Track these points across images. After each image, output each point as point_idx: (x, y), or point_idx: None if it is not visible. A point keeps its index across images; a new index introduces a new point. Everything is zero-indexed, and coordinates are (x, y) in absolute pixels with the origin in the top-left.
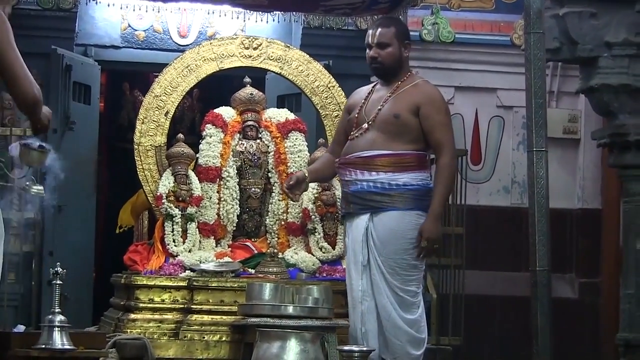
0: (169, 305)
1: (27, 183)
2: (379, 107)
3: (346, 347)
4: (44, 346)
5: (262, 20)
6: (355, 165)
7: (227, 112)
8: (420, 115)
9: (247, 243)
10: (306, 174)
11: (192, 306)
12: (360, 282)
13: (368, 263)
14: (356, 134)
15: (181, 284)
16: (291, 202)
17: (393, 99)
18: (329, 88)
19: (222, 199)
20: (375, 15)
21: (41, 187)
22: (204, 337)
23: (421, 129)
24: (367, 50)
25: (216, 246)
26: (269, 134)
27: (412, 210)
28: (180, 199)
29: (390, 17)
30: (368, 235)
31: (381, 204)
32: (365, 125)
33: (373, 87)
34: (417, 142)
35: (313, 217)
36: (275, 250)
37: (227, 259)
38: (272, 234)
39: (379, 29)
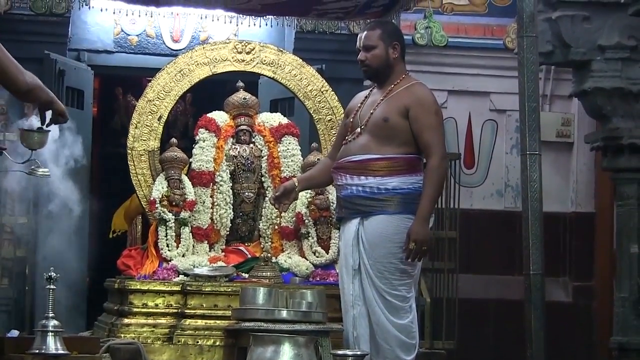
0: (163, 310)
1: (33, 166)
2: (371, 111)
3: (340, 352)
4: (37, 351)
5: (255, 24)
6: (346, 169)
7: (220, 117)
8: (410, 117)
9: (240, 247)
10: (296, 184)
11: (186, 311)
12: (351, 286)
13: (359, 267)
14: (350, 138)
15: (175, 288)
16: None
17: (384, 103)
18: (322, 92)
19: (215, 204)
20: (367, 19)
21: (47, 169)
22: (197, 342)
23: (411, 131)
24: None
25: (210, 251)
26: (262, 138)
27: (401, 214)
28: (174, 203)
29: (379, 20)
30: (359, 239)
31: (371, 208)
32: (358, 130)
33: (370, 91)
34: (408, 146)
35: (306, 221)
36: (269, 255)
37: (220, 263)
38: (266, 238)
39: (365, 32)
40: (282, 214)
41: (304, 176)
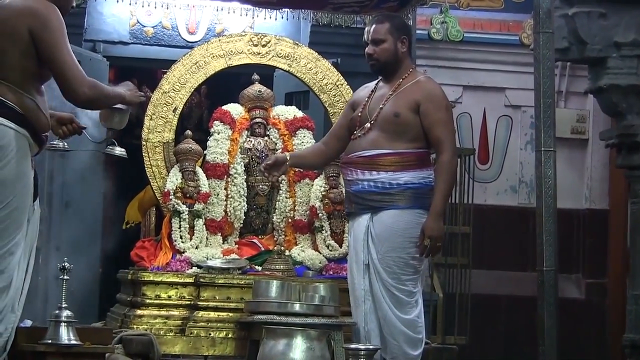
0: (176, 302)
1: (109, 146)
2: (381, 106)
3: (352, 345)
4: (50, 341)
5: (270, 17)
6: (357, 164)
7: (235, 109)
8: (420, 113)
9: (254, 240)
10: (287, 157)
11: (199, 303)
12: (362, 281)
13: (369, 262)
14: (358, 134)
15: (188, 280)
16: (299, 199)
17: (394, 97)
18: (337, 86)
19: (229, 196)
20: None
21: (123, 150)
22: (210, 334)
23: (422, 126)
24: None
25: (223, 243)
26: (276, 131)
27: (411, 208)
28: (188, 195)
29: (387, 14)
30: (369, 234)
31: (382, 203)
32: (368, 125)
33: (376, 84)
34: (418, 140)
35: (320, 214)
36: (282, 248)
37: (234, 255)
38: (279, 231)
39: (374, 26)
40: (296, 208)
41: (296, 153)
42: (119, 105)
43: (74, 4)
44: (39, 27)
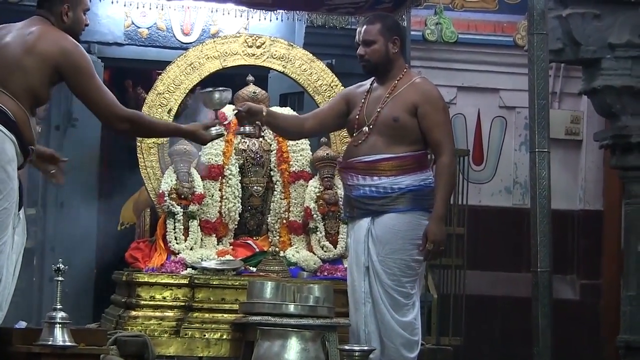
0: (170, 303)
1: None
2: (378, 109)
3: (347, 347)
4: (44, 343)
5: (265, 18)
6: (357, 170)
7: (229, 110)
8: (418, 115)
9: (248, 241)
10: (264, 112)
11: (193, 304)
12: (362, 283)
13: (369, 265)
14: (357, 138)
15: (182, 281)
16: (293, 200)
17: (391, 101)
18: (331, 87)
19: (224, 197)
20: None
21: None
22: (204, 335)
23: (420, 128)
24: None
25: (218, 244)
26: (271, 132)
27: (412, 210)
28: (183, 196)
29: (378, 14)
30: (369, 237)
31: (383, 208)
32: (366, 129)
33: (371, 84)
34: (417, 143)
35: (315, 215)
36: (277, 249)
37: (228, 257)
38: (274, 232)
39: (365, 26)
40: (290, 209)
41: (274, 113)
42: (208, 89)
43: (88, 23)
44: (71, 69)
